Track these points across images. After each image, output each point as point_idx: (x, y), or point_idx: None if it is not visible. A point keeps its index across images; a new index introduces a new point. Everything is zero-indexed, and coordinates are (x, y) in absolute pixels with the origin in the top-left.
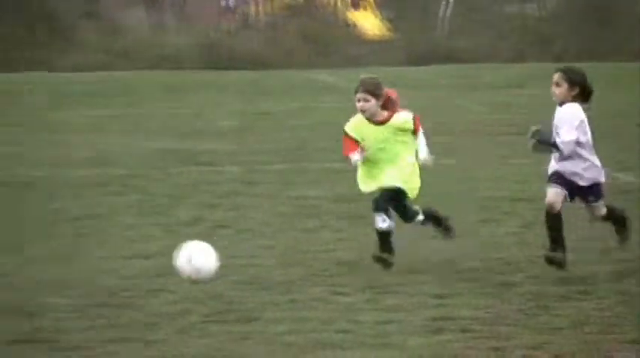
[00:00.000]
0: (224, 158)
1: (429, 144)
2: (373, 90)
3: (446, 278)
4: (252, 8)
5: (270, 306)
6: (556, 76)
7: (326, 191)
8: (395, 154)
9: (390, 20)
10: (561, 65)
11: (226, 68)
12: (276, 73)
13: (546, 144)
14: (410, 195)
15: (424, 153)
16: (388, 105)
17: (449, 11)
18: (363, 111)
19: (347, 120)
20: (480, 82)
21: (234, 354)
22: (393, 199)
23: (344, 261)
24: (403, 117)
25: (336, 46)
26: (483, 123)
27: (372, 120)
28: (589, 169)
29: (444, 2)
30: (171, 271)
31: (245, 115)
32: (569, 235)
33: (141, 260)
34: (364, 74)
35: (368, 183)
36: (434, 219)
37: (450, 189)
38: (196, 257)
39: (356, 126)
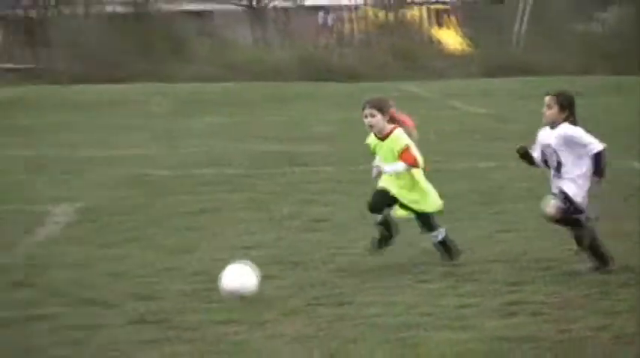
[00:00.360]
0: (320, 159)
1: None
2: (378, 105)
3: (519, 267)
4: (348, 26)
5: (362, 291)
6: (547, 99)
7: None
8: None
9: (469, 37)
10: (555, 89)
11: (324, 80)
12: (369, 85)
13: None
14: (416, 208)
15: (388, 167)
16: (395, 119)
17: (523, 28)
18: (371, 127)
19: (429, 125)
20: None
21: (333, 334)
22: (385, 202)
23: (427, 251)
24: (396, 140)
25: (422, 60)
26: None
27: (379, 135)
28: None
29: (518, 20)
30: (278, 260)
31: (340, 123)
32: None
33: (250, 250)
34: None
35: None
36: (446, 247)
37: (526, 186)
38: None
39: (371, 141)
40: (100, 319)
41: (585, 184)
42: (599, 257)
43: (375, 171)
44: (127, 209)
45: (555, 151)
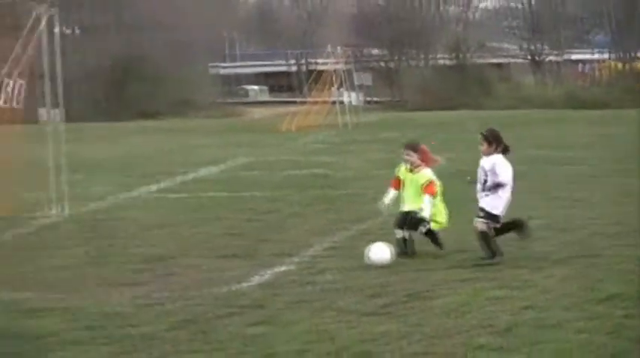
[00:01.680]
0: (578, 161)
1: None
2: (412, 147)
3: None
4: (597, 73)
5: (609, 248)
6: (479, 138)
7: None
8: (413, 193)
9: None
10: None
11: (582, 108)
12: (613, 112)
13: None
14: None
15: (423, 206)
16: (424, 158)
17: None
18: (406, 162)
19: None
20: None
21: (588, 276)
22: (405, 219)
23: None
24: (423, 176)
25: None
26: None
27: (410, 168)
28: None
29: None
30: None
31: (592, 136)
32: None
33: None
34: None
35: (401, 206)
36: (433, 238)
37: None
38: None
39: (401, 171)
40: (431, 265)
41: (499, 200)
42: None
43: (383, 207)
44: (449, 193)
45: (485, 173)
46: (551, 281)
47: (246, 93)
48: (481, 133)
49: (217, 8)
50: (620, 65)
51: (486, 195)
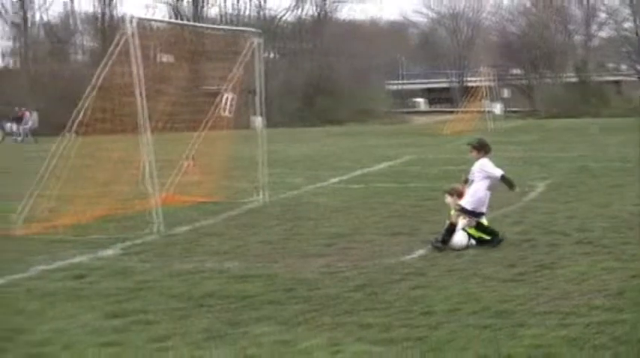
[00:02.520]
0: None
1: None
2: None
3: None
4: None
5: None
6: (468, 148)
7: None
8: None
9: None
10: None
11: None
12: None
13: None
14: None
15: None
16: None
17: None
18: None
19: None
20: None
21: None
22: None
23: None
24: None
25: None
26: None
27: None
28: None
29: None
30: None
31: None
32: None
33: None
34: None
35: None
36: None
37: None
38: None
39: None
40: (557, 242)
41: (477, 198)
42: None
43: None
44: (575, 184)
45: (474, 174)
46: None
47: (414, 105)
48: (469, 143)
49: (392, 37)
50: None
51: (468, 194)
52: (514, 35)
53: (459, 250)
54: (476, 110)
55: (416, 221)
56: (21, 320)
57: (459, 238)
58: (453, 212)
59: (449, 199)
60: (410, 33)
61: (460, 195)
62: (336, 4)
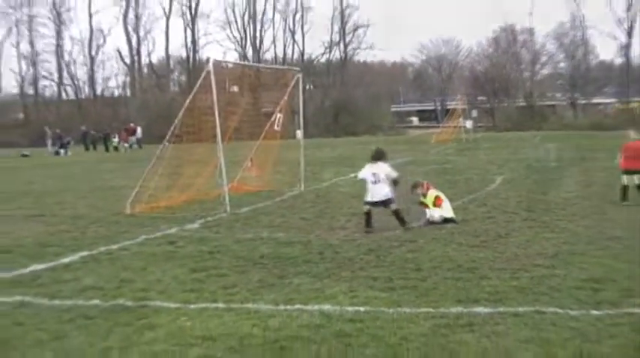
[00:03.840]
0: (598, 159)
1: None
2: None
3: None
4: (609, 110)
5: None
6: (371, 156)
7: None
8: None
9: None
10: None
11: (598, 129)
12: None
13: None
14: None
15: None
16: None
17: None
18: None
19: None
20: None
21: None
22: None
23: None
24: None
25: None
26: None
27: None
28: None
29: None
30: None
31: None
32: None
33: None
34: None
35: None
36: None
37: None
38: None
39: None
40: (510, 219)
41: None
42: (401, 221)
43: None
44: (523, 177)
45: (373, 174)
46: (579, 228)
47: (410, 122)
48: (371, 154)
49: (394, 73)
50: (621, 106)
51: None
52: (481, 72)
53: (436, 223)
54: (454, 125)
55: (409, 203)
56: (130, 274)
57: (430, 214)
58: (421, 198)
59: (418, 191)
60: (407, 70)
61: (424, 187)
62: (355, 50)
